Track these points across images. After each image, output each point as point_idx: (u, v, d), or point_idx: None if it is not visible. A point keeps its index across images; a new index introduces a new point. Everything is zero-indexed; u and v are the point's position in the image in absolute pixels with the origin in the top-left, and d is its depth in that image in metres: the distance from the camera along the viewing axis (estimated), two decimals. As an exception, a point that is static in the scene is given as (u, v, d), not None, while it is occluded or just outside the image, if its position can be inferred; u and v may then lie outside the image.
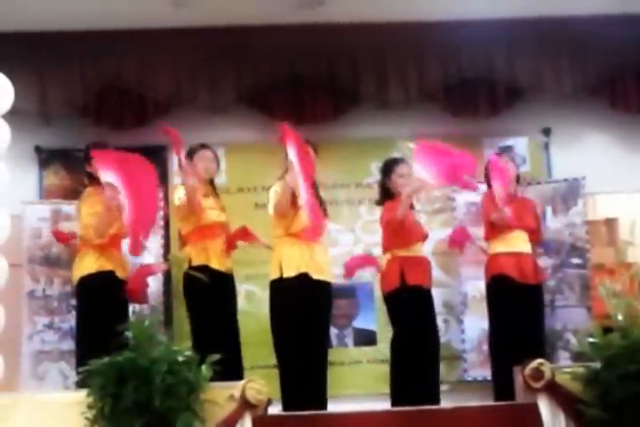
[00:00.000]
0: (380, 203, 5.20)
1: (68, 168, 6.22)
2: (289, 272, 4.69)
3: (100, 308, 4.70)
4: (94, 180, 4.84)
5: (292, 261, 4.71)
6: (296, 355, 4.60)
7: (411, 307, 4.90)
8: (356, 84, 6.23)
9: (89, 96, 6.14)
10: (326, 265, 4.87)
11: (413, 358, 4.81)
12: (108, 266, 4.81)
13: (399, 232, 4.94)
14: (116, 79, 6.14)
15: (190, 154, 5.03)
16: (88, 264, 4.84)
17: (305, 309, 4.64)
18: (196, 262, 4.80)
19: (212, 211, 4.96)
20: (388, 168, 5.15)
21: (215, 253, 4.90)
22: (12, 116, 4.59)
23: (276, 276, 4.74)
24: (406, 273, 4.92)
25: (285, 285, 4.69)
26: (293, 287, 4.67)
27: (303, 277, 4.69)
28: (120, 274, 4.86)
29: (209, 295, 4.71)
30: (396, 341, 4.95)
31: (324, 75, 6.23)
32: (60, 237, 5.56)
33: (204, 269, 4.71)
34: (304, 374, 4.58)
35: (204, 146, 5.09)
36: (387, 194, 5.13)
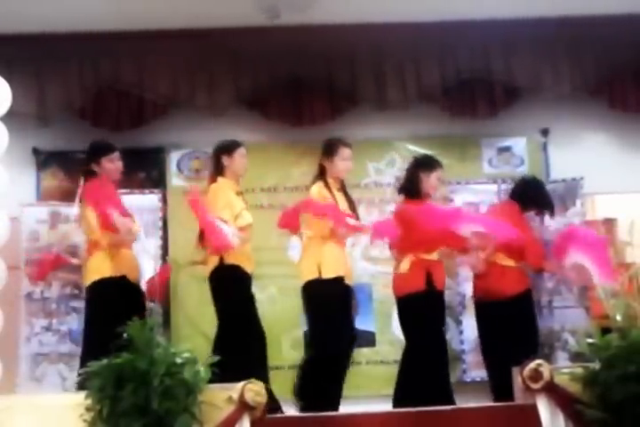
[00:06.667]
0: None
1: (66, 170, 6.21)
2: (328, 274, 4.68)
3: (116, 313, 4.55)
4: (93, 177, 4.82)
5: (332, 263, 4.70)
6: (332, 356, 4.64)
7: (434, 310, 4.85)
8: (353, 85, 6.23)
9: (87, 98, 6.14)
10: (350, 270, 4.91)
11: (433, 362, 4.77)
12: (121, 270, 4.71)
13: (431, 238, 4.81)
14: (114, 81, 6.14)
15: (230, 150, 4.89)
16: (101, 268, 4.71)
17: (342, 311, 4.70)
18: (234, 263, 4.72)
19: (245, 212, 4.84)
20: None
21: (247, 254, 4.83)
22: (10, 117, 4.57)
23: (312, 276, 4.71)
24: (434, 277, 4.83)
25: (324, 286, 4.68)
26: (333, 289, 4.68)
27: (340, 281, 4.72)
28: (132, 277, 4.76)
29: (243, 296, 4.72)
30: (418, 345, 4.80)
31: (322, 76, 6.23)
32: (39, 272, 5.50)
33: (236, 269, 4.69)
34: (331, 375, 4.64)
35: (238, 143, 4.94)
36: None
